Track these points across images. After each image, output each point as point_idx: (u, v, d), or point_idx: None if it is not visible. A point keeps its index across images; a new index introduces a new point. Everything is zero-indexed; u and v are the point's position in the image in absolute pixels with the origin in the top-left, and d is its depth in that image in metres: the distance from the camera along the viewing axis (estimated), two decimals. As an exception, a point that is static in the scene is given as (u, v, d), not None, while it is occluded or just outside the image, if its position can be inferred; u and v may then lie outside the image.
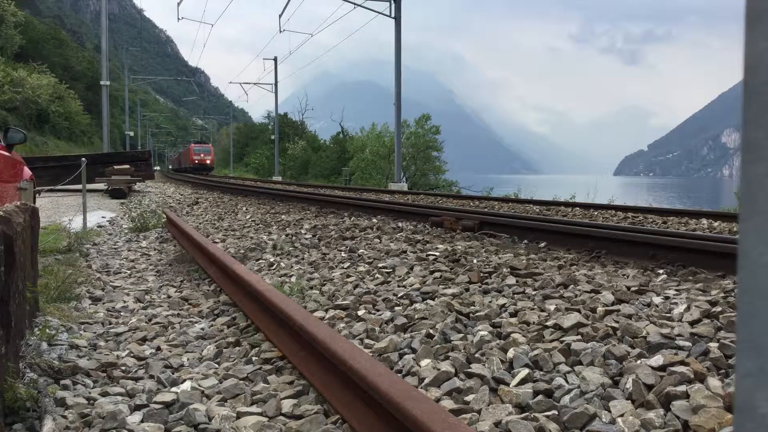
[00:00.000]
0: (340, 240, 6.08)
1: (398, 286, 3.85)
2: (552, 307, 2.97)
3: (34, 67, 48.14)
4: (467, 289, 3.61)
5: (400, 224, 7.15)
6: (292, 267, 5.00)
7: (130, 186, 18.13)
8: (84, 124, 57.40)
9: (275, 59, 42.67)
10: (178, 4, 35.16)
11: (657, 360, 2.14)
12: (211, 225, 8.81)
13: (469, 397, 2.10)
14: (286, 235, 6.72)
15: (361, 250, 5.31)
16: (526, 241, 5.60)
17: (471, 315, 3.02)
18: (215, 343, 3.13)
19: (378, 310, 3.38)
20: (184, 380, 2.54)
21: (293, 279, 4.46)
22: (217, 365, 2.79)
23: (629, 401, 1.94)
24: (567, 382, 2.13)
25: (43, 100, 45.36)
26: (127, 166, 19.08)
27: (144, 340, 3.26)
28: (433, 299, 3.43)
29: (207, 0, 42.62)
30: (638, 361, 2.17)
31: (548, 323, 2.72)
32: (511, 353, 2.40)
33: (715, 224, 7.40)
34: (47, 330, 2.99)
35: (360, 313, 3.32)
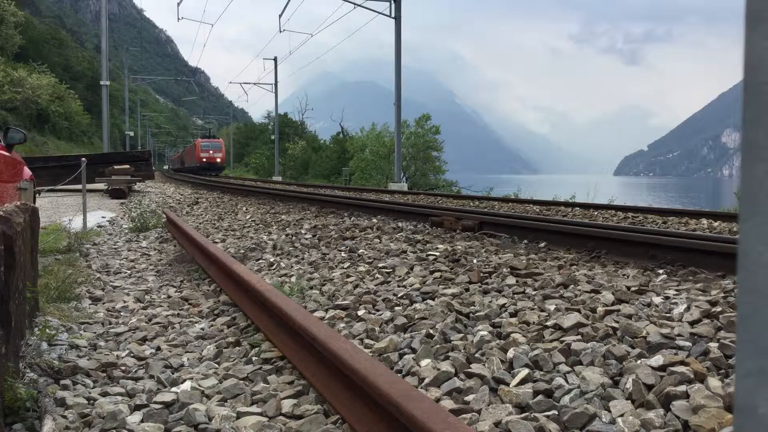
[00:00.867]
0: (340, 240, 6.08)
1: (398, 286, 3.85)
2: (552, 307, 2.97)
3: (34, 67, 48.15)
4: (467, 289, 3.61)
5: (400, 224, 7.15)
6: (292, 267, 5.00)
7: (130, 186, 18.12)
8: (84, 124, 57.40)
9: (275, 59, 42.67)
10: (178, 4, 35.17)
11: (657, 360, 2.14)
12: (211, 225, 8.82)
13: (469, 397, 2.10)
14: (286, 235, 6.72)
15: (361, 250, 5.31)
16: (526, 241, 5.60)
17: (471, 315, 3.02)
18: (215, 343, 3.13)
19: (378, 310, 3.38)
20: (184, 380, 2.54)
21: (293, 279, 4.46)
22: (217, 365, 2.79)
23: (629, 401, 1.94)
24: (567, 382, 2.13)
25: (43, 100, 45.36)
26: (127, 166, 19.08)
27: (144, 340, 3.26)
28: (433, 299, 3.42)
29: (207, 0, 42.62)
30: (638, 361, 2.17)
31: (548, 323, 2.72)
32: (511, 353, 2.40)
33: (715, 224, 7.40)
34: (47, 330, 2.99)
35: (360, 313, 3.32)
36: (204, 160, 48.85)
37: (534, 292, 3.36)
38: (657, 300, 3.00)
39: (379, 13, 23.59)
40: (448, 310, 3.11)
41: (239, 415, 2.17)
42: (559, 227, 5.57)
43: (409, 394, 1.67)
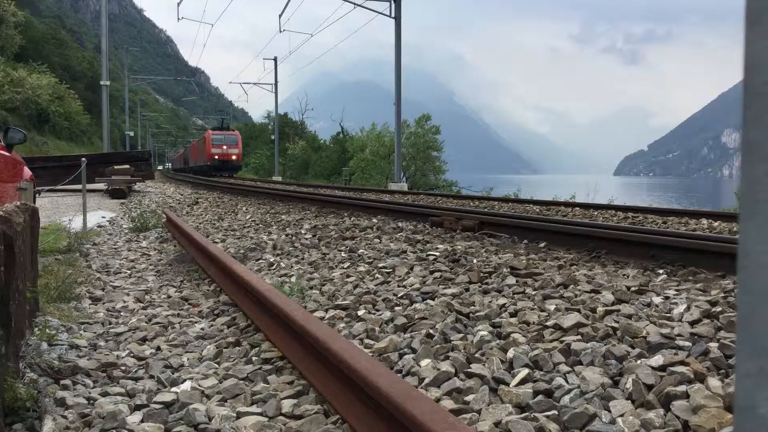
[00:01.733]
0: (340, 240, 6.07)
1: (398, 286, 3.85)
2: (552, 307, 2.97)
3: (34, 67, 48.15)
4: (467, 289, 3.61)
5: (400, 224, 7.15)
6: (292, 267, 5.00)
7: (130, 186, 18.12)
8: (84, 124, 57.37)
9: (275, 59, 42.67)
10: (178, 4, 35.18)
11: (657, 360, 2.14)
12: (211, 225, 8.81)
13: (469, 397, 2.10)
14: (286, 235, 6.72)
15: (361, 250, 5.31)
16: (526, 241, 5.60)
17: (471, 315, 3.02)
18: (215, 343, 3.13)
19: (378, 310, 3.38)
20: (184, 380, 2.54)
21: (293, 279, 4.46)
22: (217, 365, 2.79)
23: (629, 401, 1.94)
24: (567, 382, 2.13)
25: (43, 100, 45.35)
26: (127, 166, 19.08)
27: (144, 340, 3.26)
28: (433, 299, 3.42)
29: (207, 0, 42.63)
30: (638, 361, 2.17)
31: (548, 323, 2.72)
32: (511, 353, 2.40)
33: (715, 224, 7.40)
34: (47, 330, 2.99)
35: (360, 313, 3.32)
36: (216, 157, 40.18)
37: (534, 292, 3.36)
38: (657, 300, 3.00)
39: (379, 13, 23.59)
40: (448, 310, 3.11)
41: (239, 415, 2.16)
42: (559, 227, 5.57)
43: (409, 394, 1.67)
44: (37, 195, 7.89)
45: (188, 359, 2.89)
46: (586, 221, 6.98)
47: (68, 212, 11.09)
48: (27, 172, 6.49)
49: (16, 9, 50.04)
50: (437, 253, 4.78)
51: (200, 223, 9.12)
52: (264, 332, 3.08)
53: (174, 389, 2.42)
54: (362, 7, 23.98)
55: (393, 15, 23.26)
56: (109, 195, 16.70)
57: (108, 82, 28.06)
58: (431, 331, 2.80)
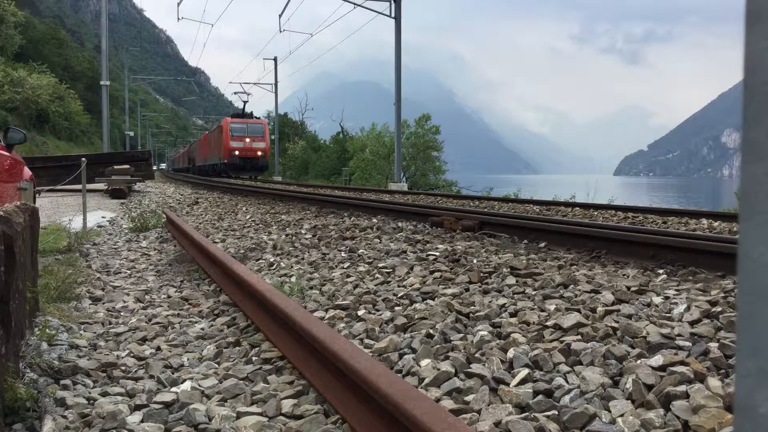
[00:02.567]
0: (340, 240, 6.07)
1: (398, 286, 3.85)
2: (552, 307, 2.97)
3: (34, 67, 48.16)
4: (467, 289, 3.61)
5: (400, 224, 7.15)
6: (292, 267, 5.00)
7: (130, 186, 18.12)
8: (84, 124, 57.37)
9: (275, 59, 42.65)
10: (178, 4, 35.17)
11: (657, 360, 2.14)
12: (211, 225, 8.81)
13: (469, 397, 2.10)
14: (286, 235, 6.72)
15: (361, 250, 5.31)
16: (526, 241, 5.60)
17: (471, 315, 3.02)
18: (215, 343, 3.13)
19: (378, 310, 3.38)
20: (184, 380, 2.54)
21: (293, 279, 4.46)
22: (217, 365, 2.79)
23: (629, 401, 1.94)
24: (567, 382, 2.13)
25: (43, 100, 45.36)
26: (127, 166, 19.08)
27: (144, 340, 3.26)
28: (433, 299, 3.42)
29: (207, 0, 42.65)
30: (638, 361, 2.17)
31: (548, 323, 2.72)
32: (511, 353, 2.39)
33: (715, 224, 7.40)
34: (47, 330, 2.99)
35: (360, 313, 3.32)
36: (236, 153, 32.52)
37: (534, 292, 3.36)
38: (657, 300, 3.00)
39: (379, 13, 23.59)
40: (448, 310, 3.11)
41: (239, 415, 2.16)
42: (559, 227, 5.56)
43: (409, 394, 1.67)
44: (37, 195, 7.89)
45: (188, 359, 2.89)
46: (586, 221, 6.97)
47: (68, 212, 11.09)
48: (27, 172, 6.49)
49: (16, 9, 50.05)
50: (437, 253, 4.78)
51: (200, 223, 9.12)
52: (264, 332, 3.08)
53: (174, 389, 2.42)
54: (362, 7, 23.98)
55: (393, 15, 23.25)
56: (109, 195, 16.70)
57: (108, 82, 28.06)
58: (431, 331, 2.80)
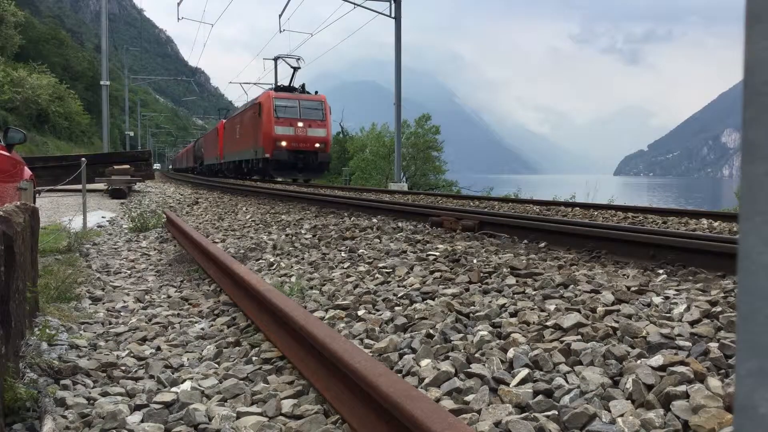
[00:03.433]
0: (340, 240, 6.07)
1: (398, 286, 3.85)
2: (552, 307, 2.97)
3: (34, 67, 48.17)
4: (467, 289, 3.61)
5: (400, 224, 7.15)
6: (292, 267, 5.00)
7: (130, 186, 18.12)
8: (84, 124, 57.37)
9: (275, 59, 42.62)
10: (178, 4, 35.18)
11: (657, 360, 2.14)
12: (211, 225, 8.81)
13: (469, 397, 2.10)
14: (286, 235, 6.72)
15: (361, 250, 5.31)
16: (526, 241, 5.60)
17: (471, 315, 3.02)
18: (215, 343, 3.13)
19: (378, 310, 3.38)
20: (184, 380, 2.54)
21: (293, 279, 4.46)
22: (217, 365, 2.79)
23: (629, 401, 1.94)
24: (567, 382, 2.13)
25: (43, 100, 45.37)
26: (127, 166, 19.08)
27: (144, 340, 3.26)
28: (433, 299, 3.42)
29: (207, 0, 42.66)
30: (638, 361, 2.17)
31: (548, 323, 2.72)
32: (511, 353, 2.39)
33: (715, 224, 7.40)
34: (47, 330, 2.99)
35: (360, 313, 3.32)
36: (283, 144, 22.69)
37: (534, 292, 3.36)
38: (657, 300, 3.00)
39: (379, 13, 23.59)
40: (448, 310, 3.11)
41: (239, 415, 2.16)
42: (559, 227, 5.56)
43: (409, 394, 1.67)
44: (37, 195, 7.89)
45: (188, 359, 2.89)
46: (586, 221, 6.97)
47: (68, 212, 11.09)
48: (27, 172, 6.49)
49: (16, 9, 50.06)
50: (437, 253, 4.78)
51: (200, 223, 9.12)
52: (264, 332, 3.08)
53: (174, 389, 2.42)
54: (362, 7, 23.98)
55: (393, 15, 23.25)
56: (109, 195, 16.70)
57: (108, 82, 28.08)
58: (431, 331, 2.80)
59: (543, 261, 4.50)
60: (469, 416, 1.96)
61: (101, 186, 17.76)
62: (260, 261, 5.48)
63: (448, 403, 2.04)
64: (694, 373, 2.01)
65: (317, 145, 23.68)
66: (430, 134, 36.75)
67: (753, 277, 0.44)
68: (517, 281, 3.68)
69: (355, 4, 23.93)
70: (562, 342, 2.48)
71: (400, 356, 2.57)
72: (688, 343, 2.29)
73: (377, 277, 4.17)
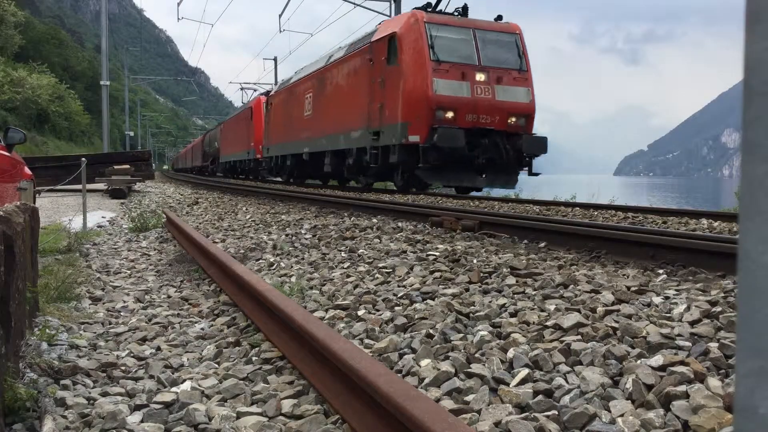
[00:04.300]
0: (340, 240, 6.07)
1: (398, 286, 3.85)
2: (552, 307, 2.97)
3: (34, 67, 48.18)
4: (467, 289, 3.61)
5: (400, 224, 7.15)
6: (292, 267, 5.00)
7: (130, 186, 18.13)
8: (84, 124, 57.40)
9: (275, 59, 42.64)
10: (178, 4, 35.21)
11: (657, 360, 2.14)
12: (211, 225, 8.81)
13: (469, 397, 2.10)
14: (286, 235, 6.72)
15: (361, 250, 5.31)
16: (526, 241, 5.60)
17: (471, 315, 3.02)
18: (215, 343, 3.13)
19: (378, 310, 3.38)
20: (184, 380, 2.54)
21: (293, 279, 4.46)
22: (217, 365, 2.79)
23: (629, 401, 1.94)
24: (567, 382, 2.13)
25: (43, 100, 45.39)
26: (127, 166, 19.09)
27: (144, 340, 3.26)
28: (433, 299, 3.42)
29: (207, 0, 42.71)
30: (638, 361, 2.17)
31: (548, 323, 2.72)
32: (511, 353, 2.39)
33: (715, 224, 7.40)
34: (47, 330, 2.99)
35: (360, 313, 3.32)
36: (449, 117, 12.30)
37: (534, 292, 3.36)
38: (657, 300, 3.00)
39: (379, 13, 23.58)
40: (448, 310, 3.11)
41: (239, 415, 2.16)
42: (559, 227, 5.56)
43: (409, 394, 1.67)
44: (37, 195, 7.89)
45: (188, 359, 2.89)
46: (586, 221, 6.97)
47: (68, 212, 11.09)
48: (27, 172, 6.49)
49: (16, 9, 50.07)
50: (437, 253, 4.78)
51: (200, 223, 9.12)
52: (264, 332, 3.08)
53: (174, 389, 2.42)
54: (362, 7, 23.98)
55: (393, 15, 23.23)
56: (109, 195, 16.70)
57: (108, 82, 28.10)
58: (431, 331, 2.80)
59: (543, 261, 4.50)
60: (469, 416, 1.96)
61: (101, 186, 17.76)
62: (260, 261, 5.48)
63: (448, 403, 2.04)
64: (694, 373, 2.01)
65: (512, 120, 12.86)
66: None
67: (753, 277, 0.44)
68: (517, 281, 3.68)
69: (355, 4, 23.93)
70: (562, 342, 2.48)
71: (400, 356, 2.57)
72: (688, 343, 2.29)
73: (377, 277, 4.17)
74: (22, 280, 2.49)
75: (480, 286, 3.64)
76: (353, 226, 7.06)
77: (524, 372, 2.21)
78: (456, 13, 13.87)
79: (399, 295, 3.59)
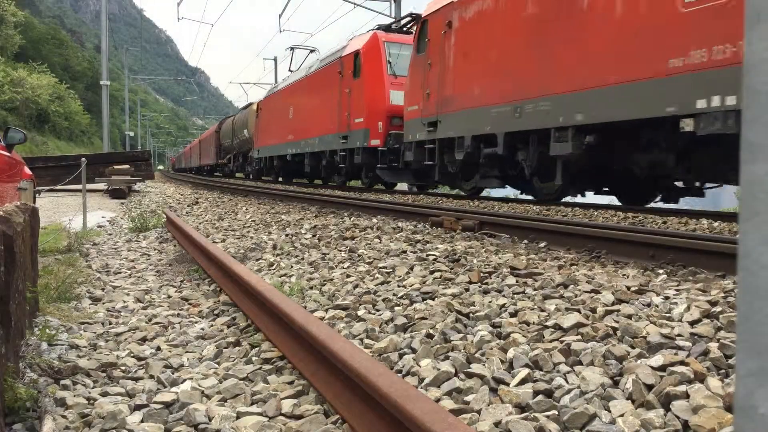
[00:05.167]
0: (340, 240, 6.08)
1: (398, 286, 3.85)
2: (552, 307, 2.97)
3: (34, 67, 48.20)
4: (467, 289, 3.61)
5: (400, 224, 7.15)
6: (292, 267, 5.00)
7: (130, 186, 18.13)
8: (84, 124, 57.44)
9: (275, 59, 42.64)
10: (178, 4, 35.21)
11: (657, 360, 2.14)
12: (211, 225, 8.82)
13: (469, 397, 2.10)
14: (286, 235, 6.72)
15: (361, 250, 5.31)
16: (526, 241, 5.60)
17: (471, 315, 3.02)
18: (215, 343, 3.13)
19: (378, 310, 3.38)
20: (184, 380, 2.54)
21: (293, 279, 4.46)
22: (217, 365, 2.79)
23: (629, 401, 1.94)
24: (567, 382, 2.13)
25: (43, 100, 45.40)
26: (127, 166, 19.09)
27: (144, 340, 3.26)
28: (433, 299, 3.42)
29: (207, 0, 42.72)
30: (638, 361, 2.17)
31: (548, 323, 2.72)
32: (511, 353, 2.40)
33: (715, 224, 7.40)
34: (47, 330, 2.99)
35: (360, 313, 3.32)
36: None
37: (534, 292, 3.36)
38: (657, 300, 3.00)
39: (379, 13, 23.60)
40: (448, 310, 3.11)
41: (239, 415, 2.16)
42: (559, 227, 5.57)
43: (409, 394, 1.67)
44: (37, 195, 7.89)
45: (188, 359, 2.89)
46: (586, 221, 6.97)
47: (68, 212, 11.09)
48: (27, 172, 6.49)
49: (16, 9, 50.10)
50: (437, 253, 4.78)
51: (200, 223, 9.13)
52: (264, 332, 3.08)
53: (174, 389, 2.42)
54: (362, 7, 23.99)
55: (393, 15, 23.24)
56: (109, 195, 16.70)
57: (108, 82, 28.11)
58: (431, 331, 2.80)
59: (543, 261, 4.50)
60: (469, 416, 1.96)
61: (101, 186, 17.76)
62: (260, 261, 5.48)
63: (448, 403, 2.04)
64: (694, 373, 2.01)
65: None
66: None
67: (753, 277, 0.44)
68: (517, 281, 3.68)
69: (355, 4, 23.94)
70: (562, 342, 2.48)
71: (400, 356, 2.57)
72: (688, 343, 2.29)
73: (377, 277, 4.17)
74: (22, 280, 2.49)
75: (480, 286, 3.64)
76: (353, 226, 7.06)
77: (524, 372, 2.21)
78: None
79: (399, 295, 3.59)
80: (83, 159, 10.25)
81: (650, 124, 7.58)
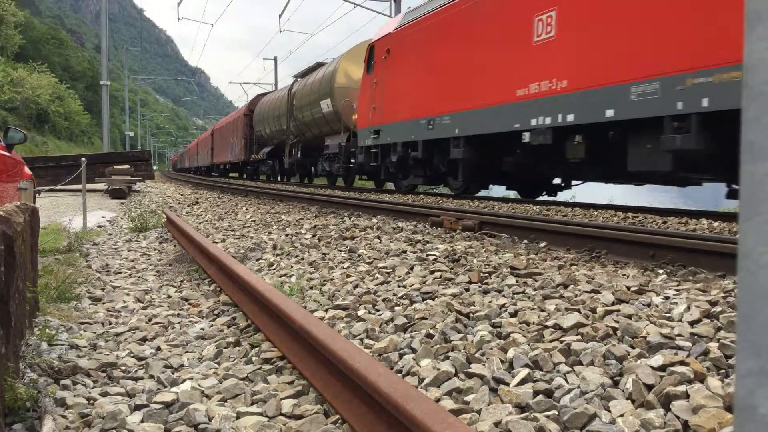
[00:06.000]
0: (340, 240, 6.07)
1: (398, 286, 3.85)
2: (552, 307, 2.97)
3: (34, 67, 48.19)
4: (467, 289, 3.61)
5: (400, 224, 7.15)
6: (292, 267, 5.00)
7: (130, 186, 18.13)
8: (84, 124, 57.44)
9: (275, 59, 42.67)
10: (178, 4, 35.23)
11: (657, 360, 2.14)
12: (211, 225, 8.82)
13: (469, 397, 2.10)
14: (286, 235, 6.72)
15: (361, 250, 5.31)
16: (526, 241, 5.60)
17: (471, 315, 3.02)
18: (215, 343, 3.13)
19: (378, 310, 3.38)
20: (184, 380, 2.54)
21: (293, 279, 4.46)
22: (217, 365, 2.79)
23: (629, 401, 1.94)
24: (567, 382, 2.13)
25: (43, 100, 45.40)
26: (127, 166, 19.09)
27: (144, 340, 3.26)
28: (433, 299, 3.42)
29: (207, 0, 42.74)
30: (638, 361, 2.17)
31: (548, 323, 2.72)
32: (511, 353, 2.39)
33: (715, 224, 7.40)
34: (47, 330, 2.99)
35: (360, 313, 3.32)
36: None
37: (534, 292, 3.36)
38: (657, 300, 3.00)
39: (379, 13, 23.60)
40: (448, 310, 3.11)
41: (239, 415, 2.16)
42: (559, 227, 5.56)
43: (409, 394, 1.67)
44: (37, 195, 7.89)
45: (188, 359, 2.89)
46: (586, 221, 6.97)
47: (68, 212, 11.09)
48: (27, 172, 6.49)
49: (16, 9, 50.11)
50: (437, 253, 4.78)
51: (200, 223, 9.13)
52: (264, 332, 3.08)
53: (174, 389, 2.42)
54: (362, 7, 23.99)
55: (393, 15, 23.24)
56: (109, 195, 16.70)
57: (108, 82, 28.12)
58: (431, 331, 2.80)
59: (543, 261, 4.50)
60: (469, 416, 1.96)
61: (101, 186, 17.76)
62: (260, 261, 5.48)
63: (448, 403, 2.04)
64: (694, 373, 2.01)
65: None
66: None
67: (753, 277, 0.44)
68: (517, 281, 3.68)
69: (355, 4, 23.94)
70: (562, 342, 2.48)
71: (400, 356, 2.57)
72: (688, 343, 2.29)
73: (377, 277, 4.17)
74: (22, 280, 2.49)
75: (480, 286, 3.64)
76: (353, 226, 7.06)
77: (524, 372, 2.21)
78: None
79: (399, 295, 3.59)
80: (83, 159, 10.25)
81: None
